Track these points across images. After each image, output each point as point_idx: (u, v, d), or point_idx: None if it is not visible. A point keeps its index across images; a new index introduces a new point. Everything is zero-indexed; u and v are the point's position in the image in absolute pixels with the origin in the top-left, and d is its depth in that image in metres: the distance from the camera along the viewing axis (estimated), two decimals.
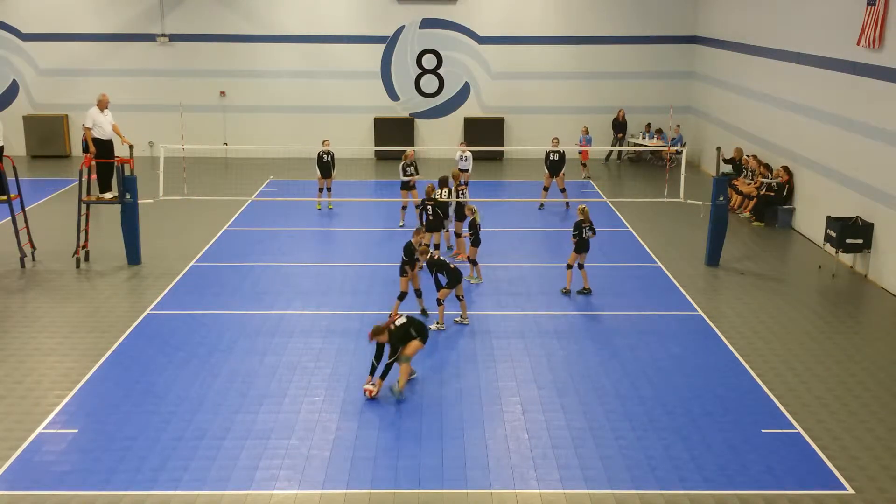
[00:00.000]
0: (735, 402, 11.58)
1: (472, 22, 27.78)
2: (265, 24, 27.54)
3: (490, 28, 27.81)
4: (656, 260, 17.73)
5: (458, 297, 14.11)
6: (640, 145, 27.48)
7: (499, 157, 28.35)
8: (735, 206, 21.31)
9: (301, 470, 9.88)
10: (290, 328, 14.02)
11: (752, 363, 12.84)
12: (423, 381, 12.12)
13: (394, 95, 28.26)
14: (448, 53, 27.96)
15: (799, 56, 20.05)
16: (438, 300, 14.00)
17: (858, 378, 12.40)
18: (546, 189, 21.99)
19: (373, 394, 11.47)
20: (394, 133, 27.60)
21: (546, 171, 21.83)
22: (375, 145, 27.17)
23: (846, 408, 11.49)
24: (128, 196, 16.75)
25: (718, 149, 18.09)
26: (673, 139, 26.73)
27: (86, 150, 17.99)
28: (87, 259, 17.32)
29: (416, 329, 11.61)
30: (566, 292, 15.68)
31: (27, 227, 17.30)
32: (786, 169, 20.42)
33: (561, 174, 21.67)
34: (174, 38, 27.53)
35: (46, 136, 27.76)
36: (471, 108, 28.34)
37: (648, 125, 27.82)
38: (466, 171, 21.60)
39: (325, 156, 21.00)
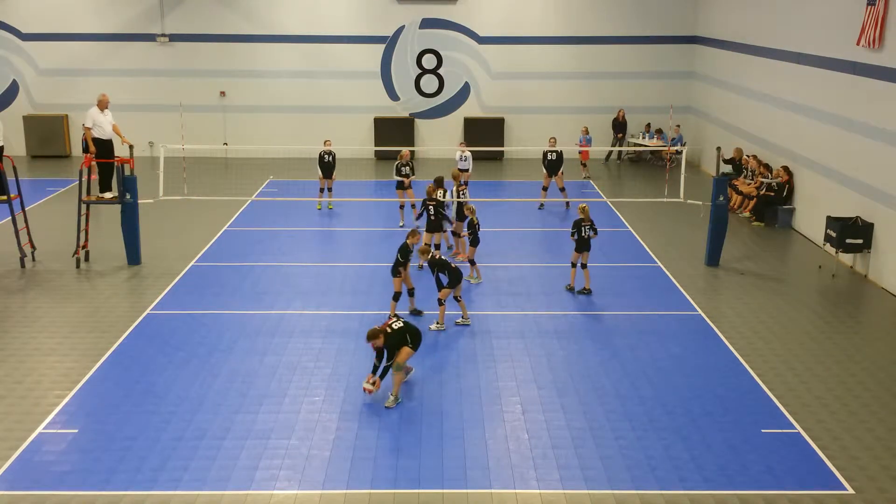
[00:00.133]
0: (735, 402, 11.58)
1: (472, 22, 27.78)
2: (265, 24, 27.54)
3: (490, 28, 27.81)
4: (656, 260, 17.73)
5: (455, 298, 14.11)
6: (640, 145, 27.48)
7: (499, 157, 28.35)
8: (735, 206, 21.31)
9: (301, 470, 9.88)
10: (290, 328, 14.02)
11: (752, 363, 12.84)
12: (423, 381, 12.13)
13: (394, 95, 28.27)
14: (448, 53, 27.97)
15: (799, 56, 20.05)
16: (439, 300, 13.99)
17: (858, 378, 12.40)
18: (545, 189, 21.99)
19: (371, 392, 11.47)
20: (394, 133, 27.60)
21: (544, 171, 21.85)
22: (375, 145, 27.17)
23: (846, 408, 11.49)
24: (128, 196, 16.75)
25: (718, 149, 18.09)
26: (673, 139, 26.73)
27: (86, 149, 17.99)
28: (87, 259, 17.32)
29: (411, 335, 11.56)
30: (570, 288, 15.75)
31: (27, 227, 17.31)
32: (786, 169, 20.42)
33: (560, 173, 21.68)
34: (174, 38, 27.53)
35: (46, 136, 27.76)
36: (471, 108, 28.34)
37: (648, 125, 27.82)
38: (466, 170, 21.61)
39: (326, 156, 21.01)
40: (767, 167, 21.30)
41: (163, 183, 18.15)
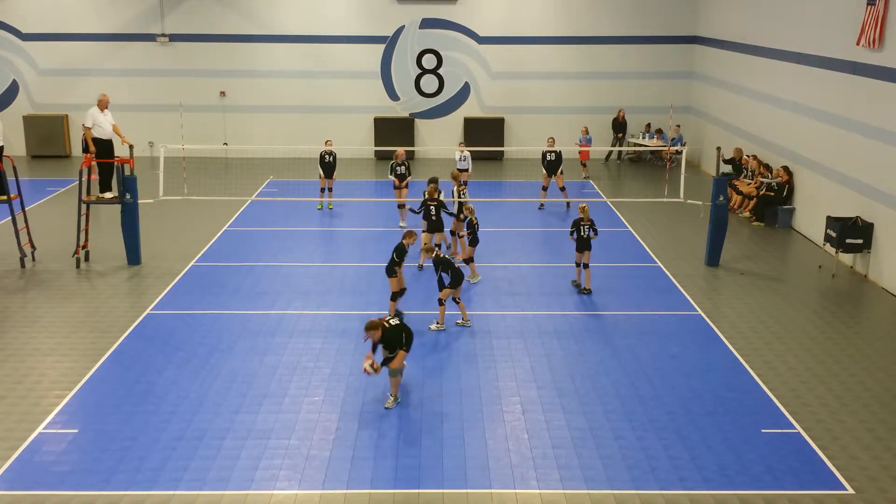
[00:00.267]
0: (735, 402, 11.58)
1: (472, 22, 27.78)
2: (265, 24, 27.54)
3: (490, 28, 27.81)
4: (656, 260, 17.73)
5: (455, 300, 14.10)
6: (640, 145, 27.48)
7: (499, 157, 28.35)
8: (735, 206, 21.31)
9: (301, 470, 9.88)
10: (290, 328, 14.02)
11: (752, 363, 12.84)
12: (423, 381, 12.13)
13: (394, 95, 28.27)
14: (448, 53, 27.96)
15: (799, 56, 20.05)
16: (440, 300, 13.99)
17: (858, 378, 12.40)
18: (545, 189, 21.99)
19: (369, 374, 11.28)
20: (394, 133, 27.60)
21: (544, 170, 21.85)
22: (375, 145, 27.18)
23: (846, 408, 11.49)
24: (128, 196, 16.75)
25: (718, 149, 18.10)
26: (673, 139, 26.73)
27: (86, 149, 18.00)
28: (87, 259, 17.32)
29: (406, 336, 11.48)
30: (577, 284, 15.88)
31: (27, 227, 17.30)
32: (786, 169, 20.42)
33: (559, 173, 21.68)
34: (174, 38, 27.53)
35: (46, 136, 27.75)
36: (471, 108, 28.34)
37: (648, 125, 27.82)
38: (466, 170, 21.62)
39: (327, 156, 21.02)
40: (767, 167, 21.30)
41: (163, 183, 18.16)
